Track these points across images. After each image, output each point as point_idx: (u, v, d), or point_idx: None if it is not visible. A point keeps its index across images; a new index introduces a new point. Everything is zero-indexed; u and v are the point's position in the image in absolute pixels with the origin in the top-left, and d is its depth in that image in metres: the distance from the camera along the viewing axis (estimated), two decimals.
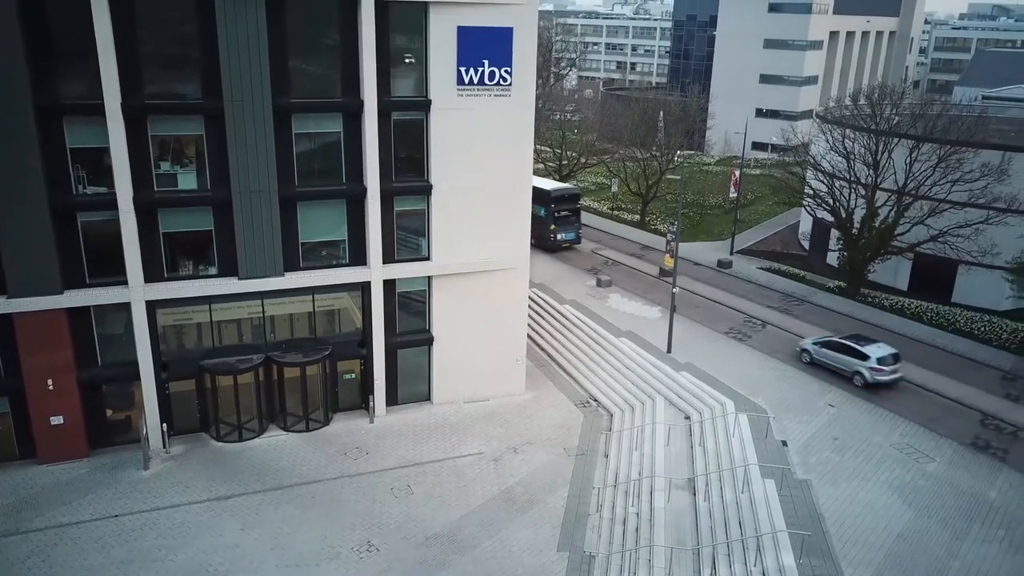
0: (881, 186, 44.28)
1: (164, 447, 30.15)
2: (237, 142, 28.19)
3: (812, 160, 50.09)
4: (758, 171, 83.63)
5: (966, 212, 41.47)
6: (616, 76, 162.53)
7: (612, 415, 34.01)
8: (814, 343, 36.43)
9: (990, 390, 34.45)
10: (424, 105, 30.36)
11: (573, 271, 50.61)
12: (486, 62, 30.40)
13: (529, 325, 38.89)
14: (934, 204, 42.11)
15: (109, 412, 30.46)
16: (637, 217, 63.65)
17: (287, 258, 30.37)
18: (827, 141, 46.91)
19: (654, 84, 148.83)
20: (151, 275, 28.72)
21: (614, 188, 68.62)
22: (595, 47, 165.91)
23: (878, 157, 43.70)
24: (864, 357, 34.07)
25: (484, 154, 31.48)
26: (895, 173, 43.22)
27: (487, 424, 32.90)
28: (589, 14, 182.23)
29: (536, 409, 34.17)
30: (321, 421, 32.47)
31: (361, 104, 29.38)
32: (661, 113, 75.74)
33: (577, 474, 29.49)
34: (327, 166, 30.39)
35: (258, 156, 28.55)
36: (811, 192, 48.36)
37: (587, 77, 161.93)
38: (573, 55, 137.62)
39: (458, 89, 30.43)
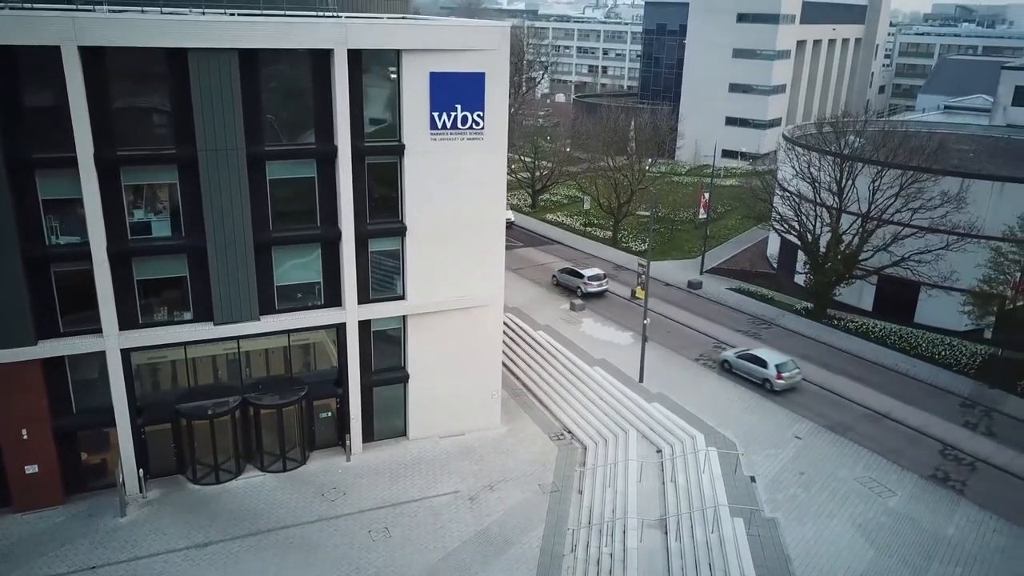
0: (847, 210, 45.43)
1: (141, 492, 30.22)
2: (211, 190, 28.31)
3: (780, 184, 51.19)
4: (729, 182, 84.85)
5: (926, 239, 42.67)
6: (588, 80, 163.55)
7: (586, 448, 34.64)
8: (560, 271, 51.87)
9: (950, 418, 35.65)
10: (398, 149, 30.68)
11: (547, 294, 51.20)
12: (459, 107, 30.78)
13: (504, 352, 39.37)
14: (897, 230, 43.30)
15: (84, 456, 30.45)
16: (609, 234, 64.40)
17: (262, 302, 30.54)
18: (793, 168, 47.95)
19: (626, 88, 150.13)
20: (125, 322, 28.77)
21: (586, 205, 69.33)
22: (566, 51, 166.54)
23: (842, 184, 44.81)
24: (580, 276, 49.75)
25: (458, 195, 31.88)
26: (858, 201, 44.37)
27: (463, 460, 33.35)
28: (560, 17, 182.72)
29: (511, 443, 34.69)
30: (298, 460, 32.71)
31: (335, 150, 29.64)
32: (632, 123, 76.70)
33: (552, 512, 30.06)
34: (302, 210, 30.59)
35: (232, 203, 28.69)
36: (778, 216, 49.37)
37: (560, 81, 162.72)
38: (545, 59, 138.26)
39: (431, 133, 30.78)
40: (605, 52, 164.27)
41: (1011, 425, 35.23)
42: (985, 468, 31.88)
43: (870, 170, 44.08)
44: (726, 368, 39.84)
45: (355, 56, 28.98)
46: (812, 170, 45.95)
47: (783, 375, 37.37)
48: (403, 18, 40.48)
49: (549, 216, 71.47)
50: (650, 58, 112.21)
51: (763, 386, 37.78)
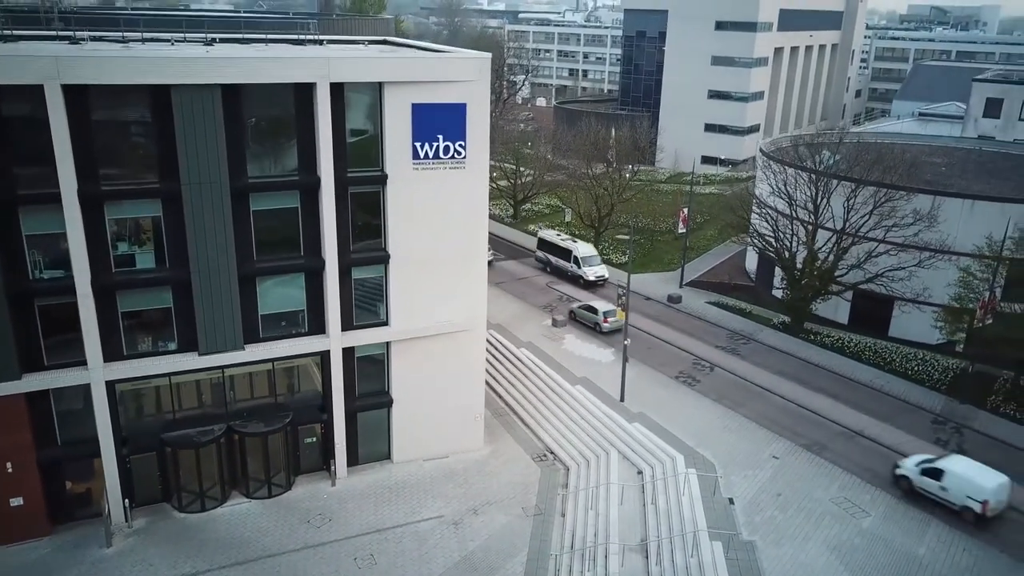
0: (823, 226, 46.30)
1: (126, 521, 30.39)
2: (195, 222, 28.55)
3: (757, 199, 52.03)
4: (709, 189, 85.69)
5: (899, 257, 43.62)
6: (568, 83, 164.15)
7: (568, 469, 35.16)
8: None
9: (922, 435, 36.54)
10: (380, 179, 31.02)
11: (529, 309, 51.69)
12: (440, 137, 31.17)
13: (487, 370, 39.74)
14: (870, 248, 44.20)
15: (70, 486, 30.55)
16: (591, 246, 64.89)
17: (247, 330, 30.80)
18: (770, 186, 48.77)
19: (606, 91, 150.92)
20: (110, 354, 28.92)
21: (568, 218, 69.90)
22: (547, 54, 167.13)
23: (818, 202, 45.69)
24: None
25: (440, 222, 32.29)
26: (833, 219, 45.27)
27: (447, 483, 33.77)
28: (541, 21, 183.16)
29: (495, 465, 35.14)
30: (283, 486, 32.98)
31: (318, 181, 29.93)
32: (612, 131, 77.28)
33: (535, 536, 30.55)
34: (285, 240, 30.84)
35: (216, 235, 28.94)
36: (756, 233, 50.17)
37: (540, 84, 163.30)
38: (525, 63, 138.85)
39: (414, 163, 31.16)
40: (585, 56, 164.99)
41: (980, 442, 36.17)
42: None
43: (844, 189, 44.93)
44: (572, 317, 49.69)
45: (337, 89, 29.30)
46: (788, 188, 46.74)
47: (608, 320, 47.46)
48: (384, 41, 40.95)
49: (531, 227, 71.88)
50: (630, 64, 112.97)
51: (595, 329, 47.75)
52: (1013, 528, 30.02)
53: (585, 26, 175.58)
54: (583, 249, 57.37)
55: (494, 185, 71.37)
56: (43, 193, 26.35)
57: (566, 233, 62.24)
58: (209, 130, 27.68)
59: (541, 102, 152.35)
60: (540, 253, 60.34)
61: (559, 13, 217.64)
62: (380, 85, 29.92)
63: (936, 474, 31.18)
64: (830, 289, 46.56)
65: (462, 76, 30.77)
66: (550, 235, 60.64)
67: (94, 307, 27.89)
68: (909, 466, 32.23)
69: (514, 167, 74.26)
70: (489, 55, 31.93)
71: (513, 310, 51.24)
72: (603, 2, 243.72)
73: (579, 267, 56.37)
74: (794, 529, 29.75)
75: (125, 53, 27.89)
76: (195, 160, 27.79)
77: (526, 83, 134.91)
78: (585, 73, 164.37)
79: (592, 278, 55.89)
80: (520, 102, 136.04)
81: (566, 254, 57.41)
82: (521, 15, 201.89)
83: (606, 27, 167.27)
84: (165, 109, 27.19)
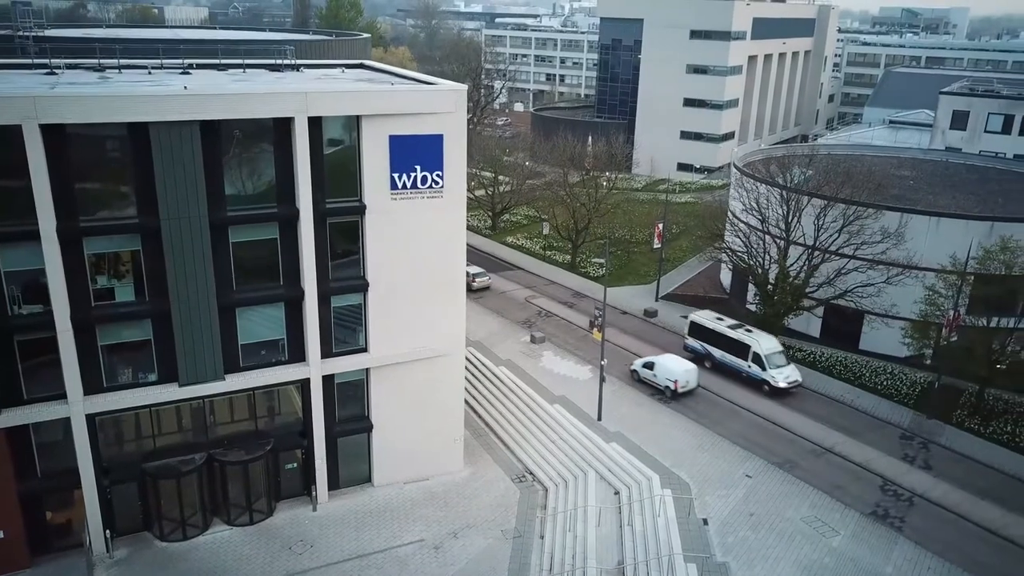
0: (795, 241, 47.29)
1: (108, 551, 30.53)
2: (174, 256, 28.76)
3: (731, 214, 52.95)
4: (684, 198, 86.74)
5: (868, 275, 44.69)
6: (546, 88, 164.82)
7: (547, 490, 35.75)
8: None
9: (890, 451, 37.57)
10: (359, 210, 31.40)
11: (509, 325, 52.20)
12: (418, 168, 31.60)
13: (466, 390, 40.21)
14: (839, 266, 45.23)
15: (50, 516, 30.62)
16: (569, 258, 65.63)
17: (227, 360, 31.04)
18: (742, 203, 49.67)
19: (583, 96, 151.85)
20: (90, 387, 29.08)
21: (546, 231, 70.49)
22: (524, 59, 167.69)
23: (789, 219, 46.66)
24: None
25: (419, 250, 32.73)
26: (804, 236, 46.27)
27: (427, 506, 34.22)
28: (518, 26, 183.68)
29: (475, 487, 35.64)
30: (265, 512, 33.24)
31: (297, 212, 30.25)
32: (589, 139, 77.99)
33: (515, 560, 31.08)
34: (265, 271, 31.13)
35: (195, 267, 29.15)
36: (729, 249, 51.05)
37: (518, 89, 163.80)
38: (503, 67, 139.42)
39: (392, 194, 31.56)
40: (562, 61, 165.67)
41: (946, 457, 37.26)
42: (922, 503, 33.78)
43: (814, 207, 45.91)
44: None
45: (315, 122, 29.64)
46: (760, 206, 47.65)
47: (476, 280, 57.31)
48: (361, 65, 41.30)
49: (509, 239, 72.43)
50: (606, 72, 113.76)
51: (468, 287, 53.29)
52: (699, 400, 42.51)
53: (562, 31, 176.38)
54: (766, 343, 43.38)
55: (471, 195, 71.85)
56: (22, 231, 26.45)
57: (545, 244, 62.33)
58: (188, 165, 27.92)
59: (519, 107, 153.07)
60: (694, 343, 46.85)
61: (536, 17, 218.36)
62: (358, 118, 30.30)
63: (651, 366, 43.80)
64: (802, 304, 47.53)
65: (439, 108, 31.23)
66: (709, 319, 46.50)
67: (74, 342, 28.02)
68: (637, 364, 44.75)
69: (492, 176, 74.74)
70: (465, 87, 32.44)
71: (492, 326, 51.75)
72: (579, 5, 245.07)
73: (763, 368, 42.71)
74: (766, 550, 30.56)
75: (103, 90, 28.11)
76: (174, 195, 28.01)
77: (503, 89, 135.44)
78: (562, 78, 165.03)
79: (783, 385, 42.26)
80: (498, 108, 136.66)
81: (739, 349, 43.88)
82: (498, 19, 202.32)
83: (582, 32, 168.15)
84: (143, 145, 27.38)
